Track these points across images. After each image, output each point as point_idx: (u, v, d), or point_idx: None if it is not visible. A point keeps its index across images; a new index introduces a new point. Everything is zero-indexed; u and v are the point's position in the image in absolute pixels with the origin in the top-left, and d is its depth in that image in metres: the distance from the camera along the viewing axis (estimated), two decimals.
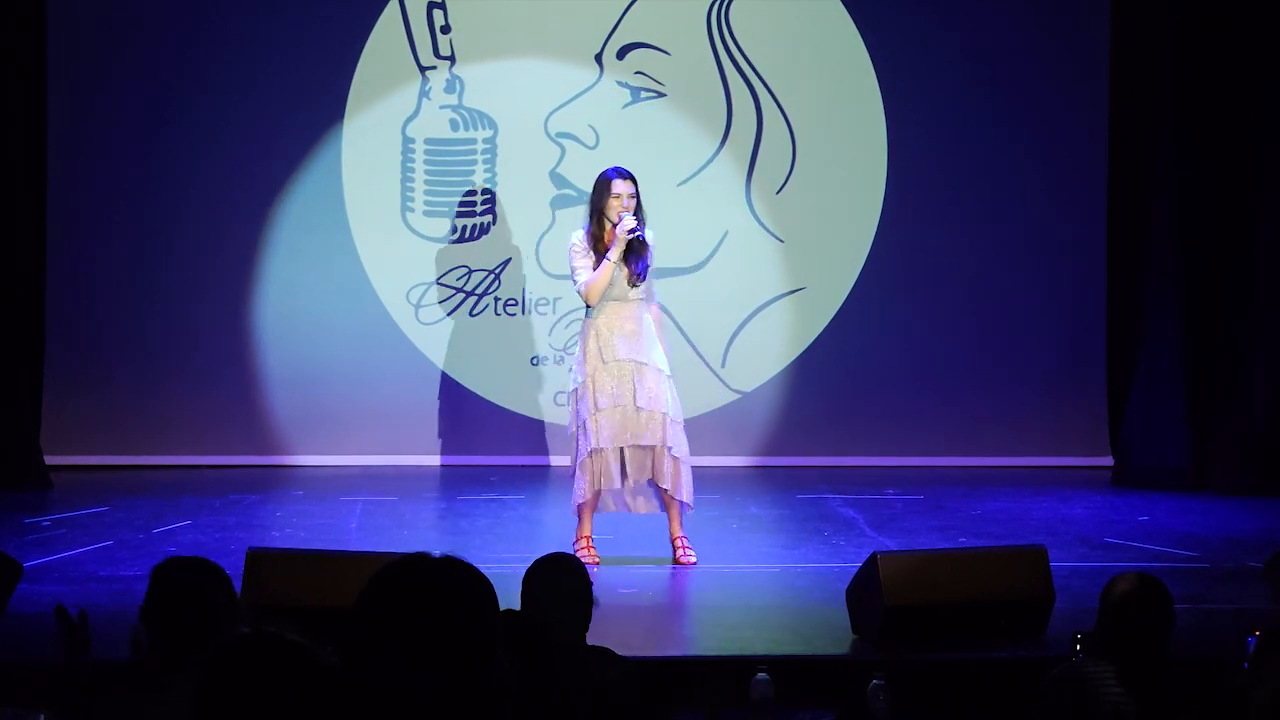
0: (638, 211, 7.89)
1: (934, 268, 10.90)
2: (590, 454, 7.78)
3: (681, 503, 7.82)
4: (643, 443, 7.79)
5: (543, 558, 4.78)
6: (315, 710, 2.55)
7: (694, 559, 7.81)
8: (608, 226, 7.88)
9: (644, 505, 8.00)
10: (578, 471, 7.85)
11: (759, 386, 10.87)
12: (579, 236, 7.95)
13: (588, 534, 7.91)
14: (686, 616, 7.12)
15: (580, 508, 7.89)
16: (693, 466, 7.92)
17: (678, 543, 7.86)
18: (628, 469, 7.81)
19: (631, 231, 7.79)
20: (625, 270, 7.86)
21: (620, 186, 7.88)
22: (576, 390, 7.93)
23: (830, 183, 10.89)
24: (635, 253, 7.88)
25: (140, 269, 10.60)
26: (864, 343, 10.91)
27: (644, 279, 7.92)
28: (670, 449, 7.79)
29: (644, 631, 6.65)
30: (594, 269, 7.87)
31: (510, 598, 4.57)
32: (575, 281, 7.94)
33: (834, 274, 10.90)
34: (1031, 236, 10.90)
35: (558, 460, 10.69)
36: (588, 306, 7.96)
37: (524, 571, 4.73)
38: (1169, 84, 10.29)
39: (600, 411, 7.79)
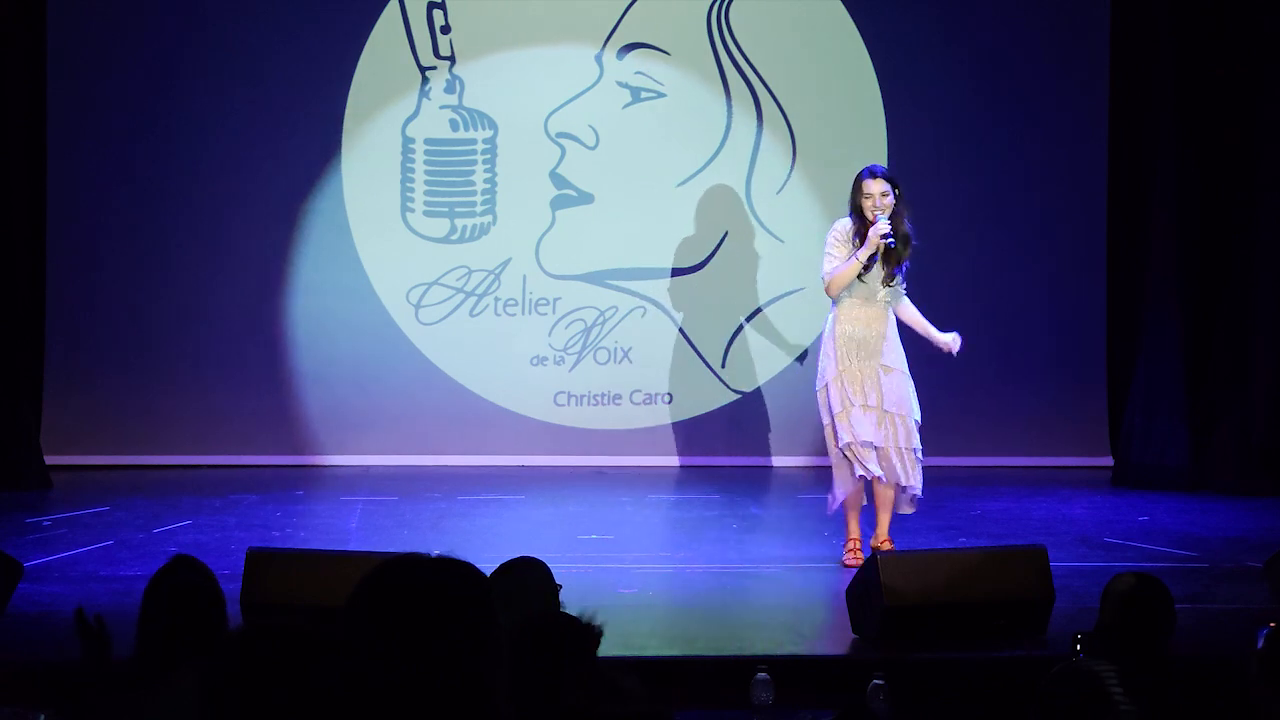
0: (897, 209, 7.82)
1: (934, 268, 10.87)
2: (844, 448, 7.77)
3: (909, 493, 7.84)
4: (886, 444, 7.79)
5: (504, 563, 4.73)
6: (322, 704, 2.55)
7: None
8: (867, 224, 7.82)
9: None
10: (834, 471, 7.85)
11: (759, 386, 10.87)
12: (843, 224, 7.89)
13: (855, 536, 7.86)
14: (686, 616, 7.12)
15: (844, 506, 7.85)
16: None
17: (885, 544, 7.83)
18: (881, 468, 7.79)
19: (884, 237, 7.74)
20: (884, 269, 7.82)
21: (871, 186, 7.83)
22: (827, 387, 7.89)
23: (830, 183, 10.88)
24: (895, 256, 7.82)
25: (140, 269, 10.59)
26: None
27: (901, 280, 7.87)
28: (915, 450, 7.85)
29: (644, 631, 6.65)
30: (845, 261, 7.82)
31: None
32: (824, 267, 7.89)
33: None
34: (1031, 236, 10.90)
35: (557, 460, 10.70)
36: (833, 300, 7.90)
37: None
38: (1168, 85, 10.29)
39: (853, 409, 7.77)
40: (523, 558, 4.76)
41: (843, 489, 7.82)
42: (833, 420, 7.83)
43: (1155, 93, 10.37)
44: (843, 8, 10.82)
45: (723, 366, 10.86)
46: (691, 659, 6.32)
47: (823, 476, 10.31)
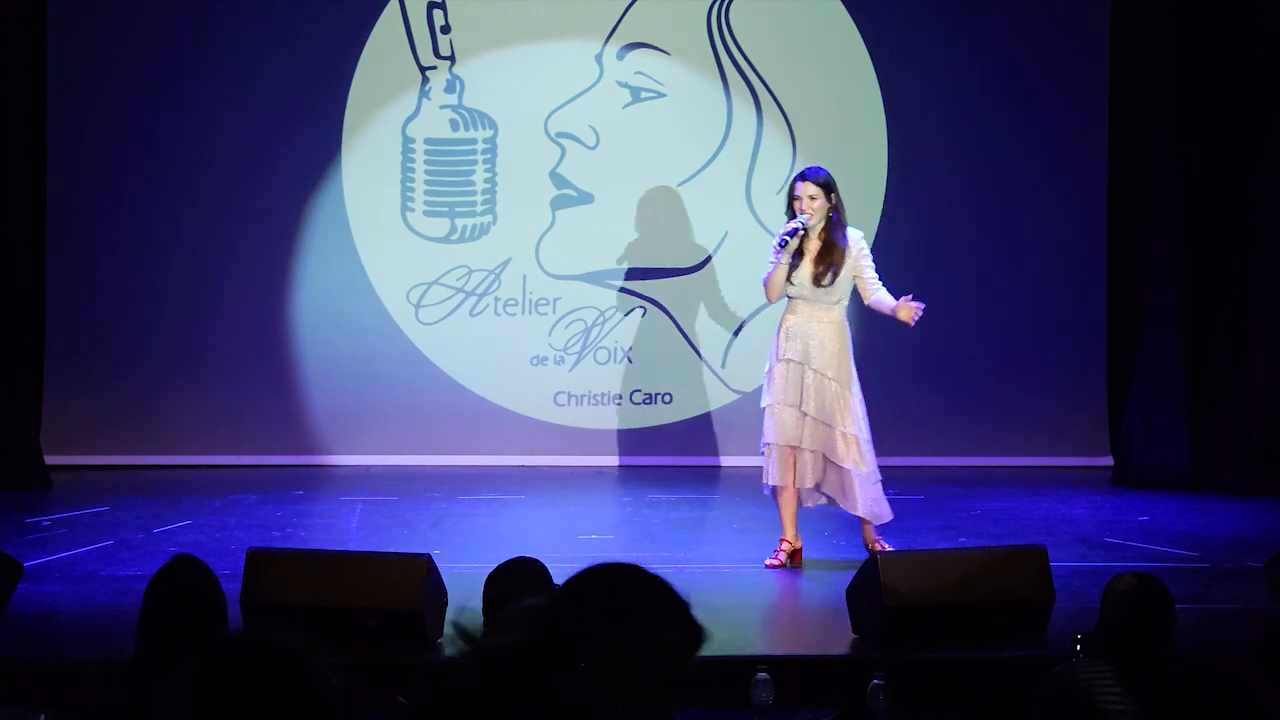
0: (837, 209, 7.83)
1: (934, 268, 10.89)
2: (767, 446, 7.81)
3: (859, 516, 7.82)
4: (805, 446, 7.76)
5: (503, 563, 4.73)
6: (307, 711, 2.55)
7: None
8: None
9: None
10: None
11: (759, 387, 10.85)
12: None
13: (786, 538, 7.84)
14: None
15: (779, 506, 7.87)
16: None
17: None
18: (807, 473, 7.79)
19: (782, 233, 7.76)
20: (812, 271, 7.81)
21: (800, 189, 7.86)
22: (766, 377, 7.92)
23: None
24: (827, 257, 7.80)
25: (139, 269, 10.59)
26: (864, 343, 10.89)
27: (830, 281, 7.82)
28: (846, 466, 7.76)
29: None
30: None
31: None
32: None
33: None
34: (1031, 236, 10.90)
35: (557, 460, 10.70)
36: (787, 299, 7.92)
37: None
38: (1168, 85, 10.29)
39: (778, 407, 7.78)
40: (521, 558, 4.76)
41: (772, 480, 7.82)
42: (765, 414, 7.85)
43: (1155, 93, 10.37)
44: (843, 8, 10.82)
45: (723, 366, 10.86)
46: None
47: None
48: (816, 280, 7.84)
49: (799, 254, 7.87)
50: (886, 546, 7.81)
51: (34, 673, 5.88)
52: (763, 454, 7.91)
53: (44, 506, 9.31)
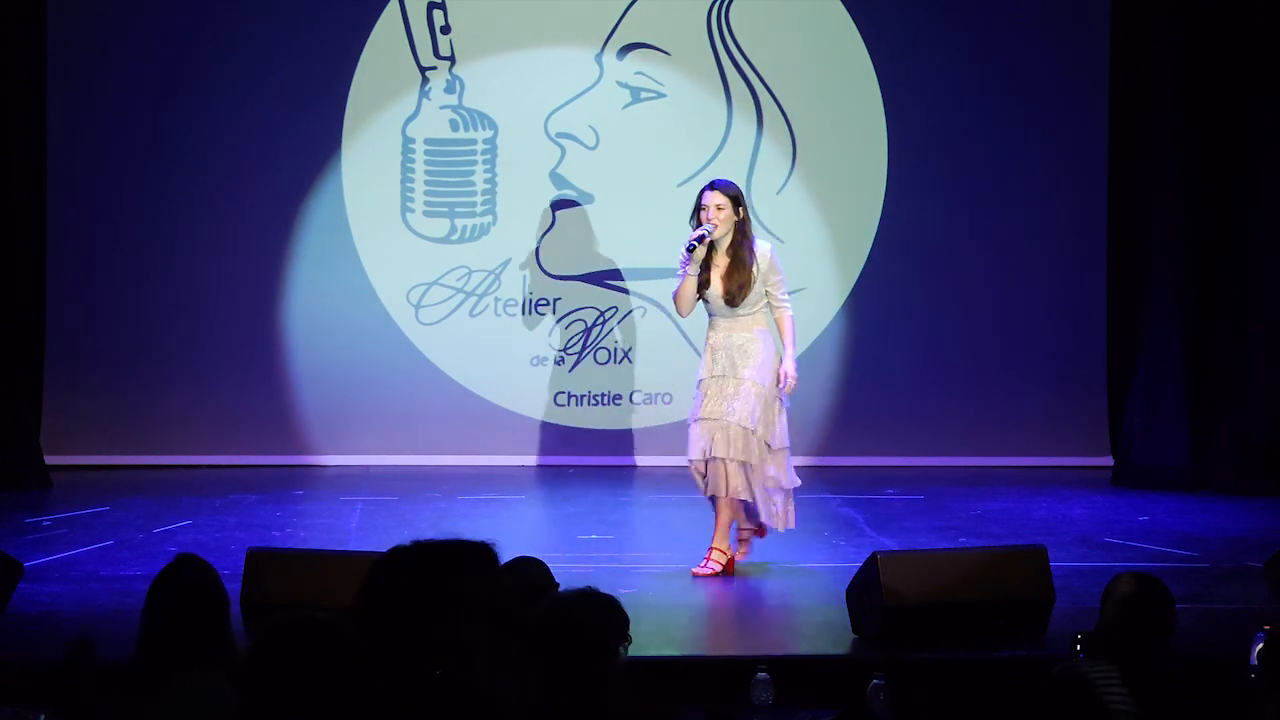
0: (744, 224, 7.74)
1: (934, 268, 10.90)
2: (690, 463, 7.75)
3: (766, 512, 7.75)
4: (719, 455, 7.67)
5: (504, 563, 4.73)
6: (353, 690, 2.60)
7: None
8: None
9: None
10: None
11: None
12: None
13: (717, 545, 7.73)
14: (686, 616, 7.12)
15: (714, 510, 7.78)
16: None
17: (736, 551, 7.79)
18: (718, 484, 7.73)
19: (688, 242, 7.69)
20: (723, 288, 7.73)
21: (706, 198, 7.76)
22: (695, 389, 7.85)
23: (830, 183, 10.89)
24: (735, 274, 7.72)
25: (140, 269, 10.59)
26: (864, 343, 10.91)
27: (741, 300, 7.72)
28: (743, 463, 7.67)
29: (644, 631, 6.65)
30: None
31: None
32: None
33: (834, 274, 10.90)
34: (1031, 237, 10.90)
35: (557, 460, 10.70)
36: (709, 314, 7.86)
37: None
38: (1168, 85, 10.29)
39: (703, 422, 7.71)
40: (522, 558, 4.77)
41: (703, 489, 7.77)
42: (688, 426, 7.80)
43: (1155, 93, 10.37)
44: (843, 8, 10.82)
45: None
46: (691, 659, 6.32)
47: (822, 476, 10.34)
48: (729, 300, 7.75)
49: (708, 268, 7.75)
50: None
51: (34, 673, 5.88)
52: (689, 464, 7.79)
53: (44, 506, 9.31)
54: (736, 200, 7.77)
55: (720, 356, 7.75)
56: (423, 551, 2.63)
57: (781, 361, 7.83)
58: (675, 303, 7.87)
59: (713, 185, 7.82)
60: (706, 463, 7.68)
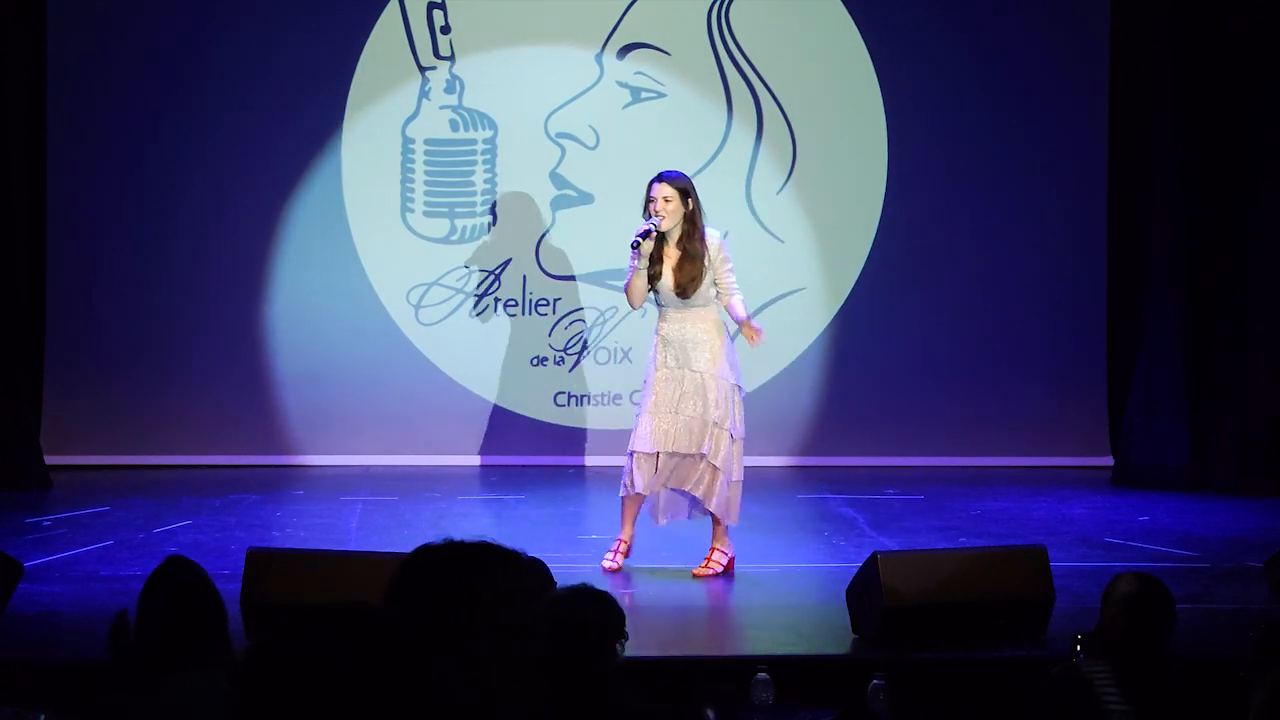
0: (694, 216, 7.73)
1: (934, 268, 10.90)
2: (630, 453, 7.73)
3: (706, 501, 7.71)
4: (679, 449, 7.69)
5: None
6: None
7: (712, 570, 7.69)
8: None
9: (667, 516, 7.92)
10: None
11: (759, 387, 10.85)
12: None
13: (625, 538, 7.78)
14: (687, 616, 7.12)
15: (622, 503, 7.80)
16: None
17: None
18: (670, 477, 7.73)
19: (637, 232, 7.70)
20: (674, 280, 7.73)
21: (654, 190, 7.75)
22: (644, 386, 7.84)
23: (830, 183, 10.89)
24: (685, 266, 7.72)
25: (140, 269, 10.59)
26: (864, 343, 10.91)
27: (693, 293, 7.73)
28: (708, 457, 7.65)
29: (644, 631, 6.65)
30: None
31: None
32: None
33: (834, 274, 10.90)
34: (1032, 236, 10.90)
35: (557, 460, 10.70)
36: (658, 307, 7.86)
37: None
38: (1168, 85, 10.29)
39: (657, 415, 7.70)
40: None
41: (622, 490, 7.74)
42: (637, 419, 7.78)
43: (1155, 93, 10.37)
44: (843, 8, 10.82)
45: None
46: (691, 659, 6.32)
47: (822, 476, 10.35)
48: (680, 293, 7.73)
49: (658, 260, 7.74)
50: (725, 555, 7.71)
51: (34, 673, 5.88)
52: (631, 455, 7.75)
53: (44, 506, 9.31)
54: (685, 192, 7.75)
55: (673, 349, 7.75)
56: (454, 551, 2.62)
57: (733, 350, 7.83)
58: (626, 296, 7.86)
59: (661, 177, 7.81)
60: (658, 455, 7.66)
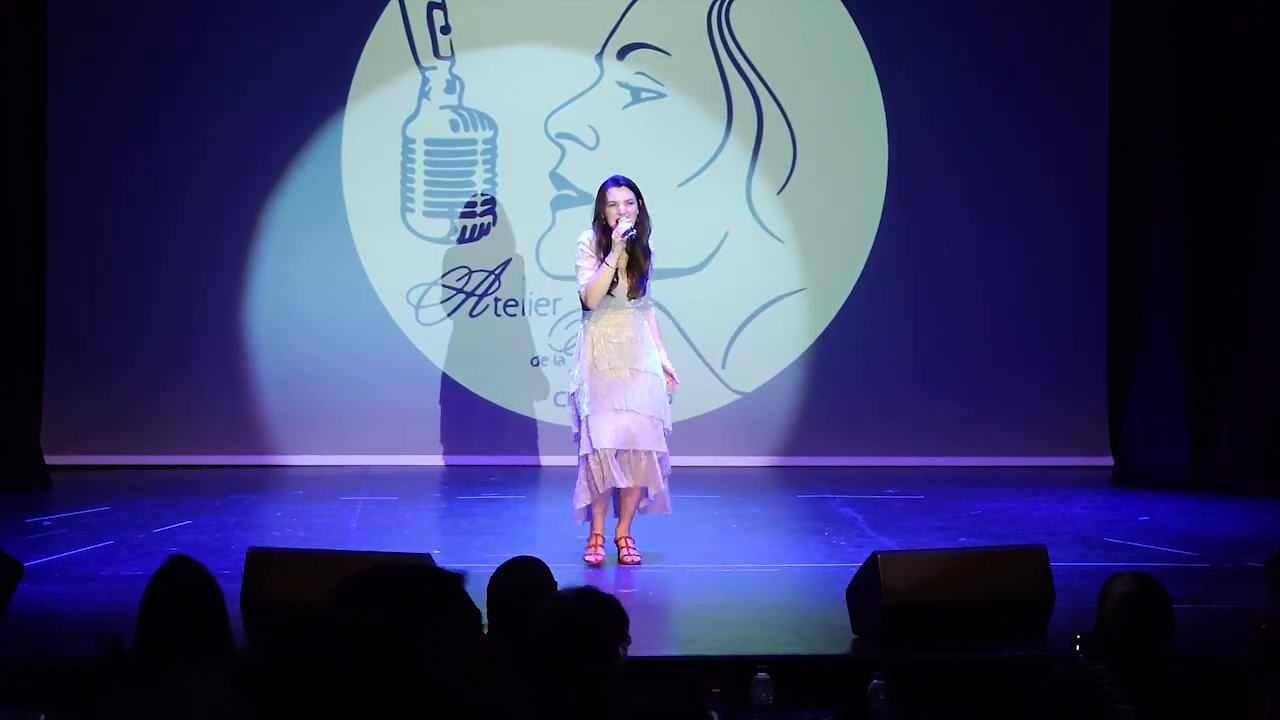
0: (642, 219, 7.87)
1: (934, 268, 10.90)
2: (589, 456, 7.77)
3: (651, 496, 7.83)
4: (637, 447, 7.77)
5: (504, 563, 4.74)
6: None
7: (637, 558, 7.83)
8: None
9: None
10: (578, 479, 7.85)
11: (759, 387, 10.87)
12: (587, 237, 7.95)
13: (599, 531, 7.89)
14: (686, 616, 7.12)
15: (589, 505, 7.86)
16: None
17: (623, 543, 7.87)
18: (626, 473, 7.81)
19: (625, 234, 7.77)
20: (627, 282, 7.85)
21: (615, 194, 7.87)
22: (575, 394, 7.93)
23: (831, 183, 10.89)
24: (637, 265, 7.86)
25: (140, 269, 10.59)
26: (865, 343, 10.91)
27: (644, 292, 7.91)
28: (659, 454, 7.84)
29: (644, 631, 6.65)
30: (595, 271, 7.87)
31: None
32: (578, 281, 7.94)
33: (835, 274, 10.90)
34: (1032, 237, 10.90)
35: (557, 460, 10.70)
36: (585, 309, 7.94)
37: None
38: (1168, 85, 10.29)
39: (604, 413, 7.77)
40: (522, 557, 4.77)
41: (586, 497, 7.81)
42: (582, 427, 7.82)
43: (1155, 93, 10.37)
44: (843, 8, 10.82)
45: (723, 367, 10.86)
46: (691, 659, 6.32)
47: (822, 476, 10.34)
48: (631, 293, 7.86)
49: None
50: (634, 553, 7.81)
51: (34, 673, 5.88)
52: (580, 464, 7.82)
53: (44, 506, 9.31)
54: (639, 194, 7.92)
55: (610, 347, 7.86)
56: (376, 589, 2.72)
57: (662, 358, 7.97)
58: (586, 297, 7.92)
59: (617, 181, 7.95)
60: (618, 452, 7.72)
